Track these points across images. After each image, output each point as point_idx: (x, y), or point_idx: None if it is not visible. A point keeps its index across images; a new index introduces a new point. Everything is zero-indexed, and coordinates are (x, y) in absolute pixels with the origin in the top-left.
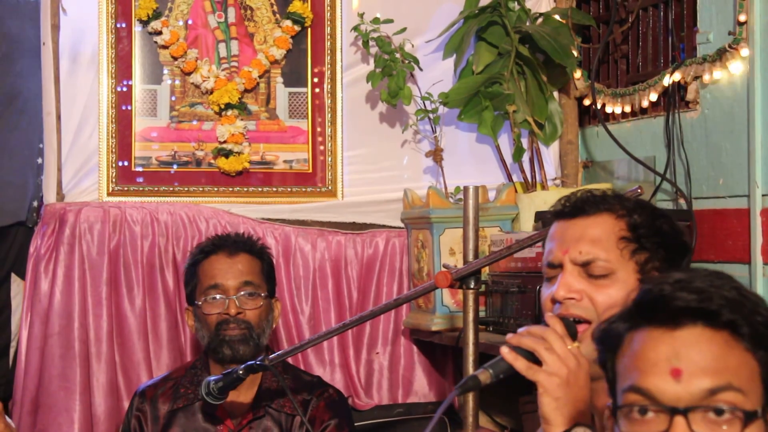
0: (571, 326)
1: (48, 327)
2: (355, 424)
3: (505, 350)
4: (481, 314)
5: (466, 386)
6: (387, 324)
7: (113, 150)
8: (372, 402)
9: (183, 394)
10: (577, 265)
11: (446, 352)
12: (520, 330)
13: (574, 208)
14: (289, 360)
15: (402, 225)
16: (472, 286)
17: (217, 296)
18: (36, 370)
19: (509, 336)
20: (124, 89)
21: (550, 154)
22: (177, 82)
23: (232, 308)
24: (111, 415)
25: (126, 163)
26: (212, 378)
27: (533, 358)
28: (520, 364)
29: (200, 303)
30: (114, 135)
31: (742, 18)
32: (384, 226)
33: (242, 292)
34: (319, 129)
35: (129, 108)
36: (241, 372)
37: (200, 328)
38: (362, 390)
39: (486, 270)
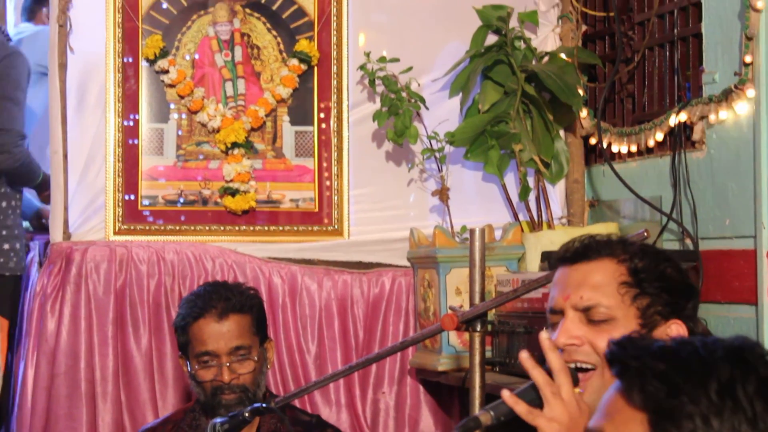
0: (572, 373)
1: (54, 366)
2: None
3: (506, 394)
4: (488, 354)
5: (467, 427)
6: (393, 364)
7: (120, 188)
8: None
9: None
10: (578, 310)
11: (452, 391)
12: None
13: (575, 253)
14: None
15: (408, 264)
16: (478, 329)
17: (210, 362)
18: (43, 410)
19: (506, 395)
20: (131, 123)
21: (557, 192)
22: (184, 121)
23: (225, 376)
24: None
25: (132, 197)
26: (218, 420)
27: (535, 403)
28: (521, 409)
29: (195, 367)
30: (121, 173)
31: (747, 59)
32: (390, 265)
33: (234, 358)
34: (325, 167)
35: (136, 142)
36: (247, 415)
37: (195, 386)
38: (368, 430)
39: (492, 310)
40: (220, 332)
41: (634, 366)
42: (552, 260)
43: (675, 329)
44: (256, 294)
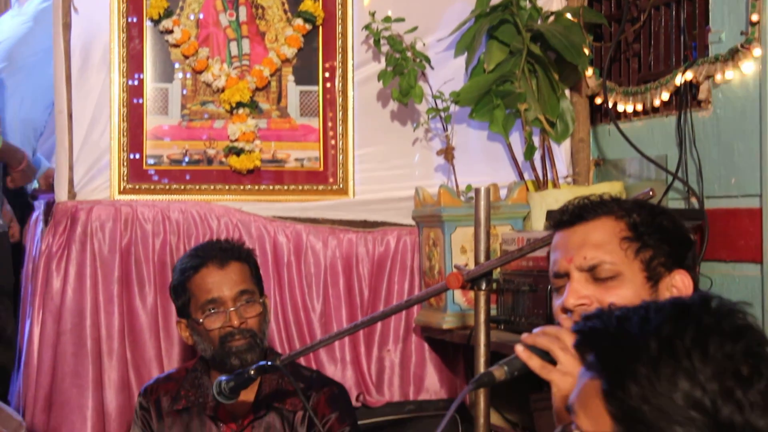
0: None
1: (60, 325)
2: (367, 420)
3: (519, 349)
4: (493, 313)
5: (481, 382)
6: (398, 322)
7: (125, 148)
8: (383, 399)
9: (184, 396)
10: (583, 271)
11: (457, 349)
12: (535, 330)
13: (572, 215)
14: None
15: (413, 223)
16: (483, 287)
17: (217, 309)
18: (49, 368)
19: (524, 335)
20: (136, 83)
21: (562, 152)
22: (188, 81)
23: (234, 320)
24: (123, 412)
25: (137, 156)
26: (224, 378)
27: (548, 358)
28: (535, 363)
29: (201, 319)
30: (125, 133)
31: (754, 18)
32: (395, 224)
33: (241, 302)
34: (330, 126)
35: (140, 101)
36: (252, 372)
37: (201, 341)
38: (373, 387)
39: (497, 269)
40: (224, 279)
41: (588, 333)
42: (548, 225)
43: (680, 279)
44: (250, 249)
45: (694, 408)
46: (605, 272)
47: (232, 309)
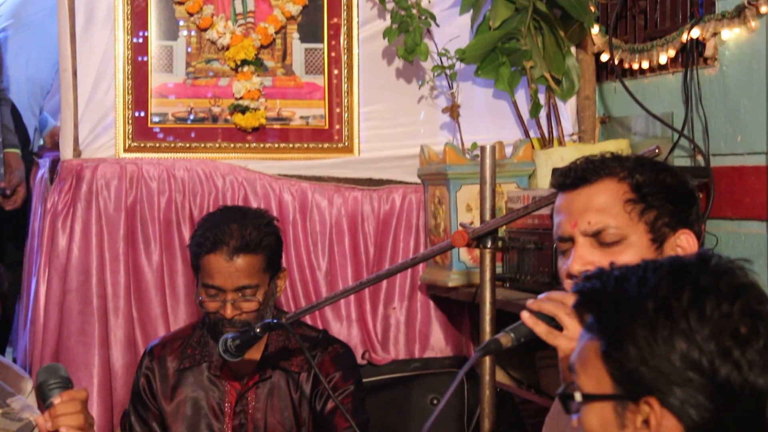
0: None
1: (66, 283)
2: (372, 378)
3: (525, 315)
4: (498, 271)
5: (488, 349)
6: (404, 279)
7: (129, 105)
8: (388, 357)
9: (190, 354)
10: (587, 236)
11: (463, 307)
12: (540, 296)
13: (575, 178)
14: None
15: (419, 181)
16: (489, 246)
17: (215, 295)
18: (55, 326)
19: (530, 301)
20: (140, 41)
21: (567, 109)
22: (193, 38)
23: (228, 311)
24: (129, 370)
25: (142, 114)
26: (229, 335)
27: (554, 323)
28: (541, 329)
29: (201, 297)
30: (130, 91)
31: None
32: (401, 182)
33: (239, 296)
34: (335, 84)
35: (145, 59)
36: (258, 330)
37: (201, 307)
38: (379, 345)
39: (503, 227)
40: (229, 270)
41: (586, 294)
42: (552, 185)
43: (685, 239)
44: (273, 228)
45: (692, 369)
46: (610, 237)
47: (228, 300)
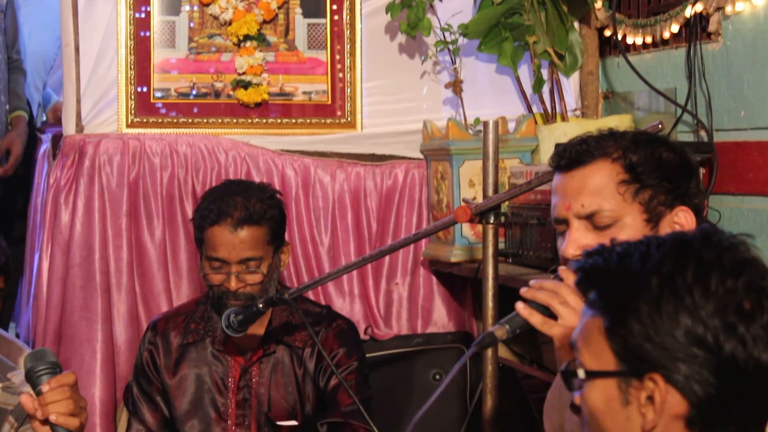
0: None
1: (69, 258)
2: (375, 353)
3: (520, 306)
4: (501, 246)
5: (483, 343)
6: (406, 255)
7: (132, 81)
8: (391, 332)
9: (194, 329)
10: (581, 218)
11: (465, 282)
12: (532, 282)
13: (570, 160)
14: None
15: (421, 156)
16: (491, 221)
17: (219, 268)
18: (58, 301)
19: (523, 290)
20: (143, 16)
21: (571, 85)
22: (195, 13)
23: (232, 283)
24: (132, 345)
25: (145, 89)
26: (232, 311)
27: (548, 312)
28: (536, 319)
29: (205, 270)
30: (133, 66)
31: None
32: (403, 158)
33: (243, 269)
34: (338, 59)
35: (148, 34)
36: (261, 305)
37: (205, 280)
38: (381, 320)
39: (506, 202)
40: (233, 242)
41: (588, 271)
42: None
43: (682, 216)
44: (276, 201)
45: (697, 344)
46: (604, 220)
47: (233, 273)
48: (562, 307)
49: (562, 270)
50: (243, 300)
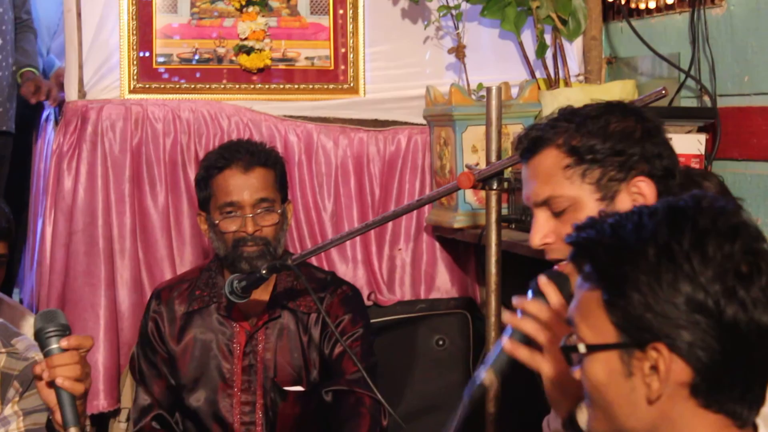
0: (561, 280)
1: (72, 224)
2: (378, 319)
3: (507, 346)
4: (504, 212)
5: (475, 397)
6: (409, 221)
7: (134, 46)
8: (394, 298)
9: (198, 296)
10: (539, 206)
11: (468, 248)
12: (514, 302)
13: (524, 150)
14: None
15: (424, 122)
16: (494, 187)
17: (234, 213)
18: (62, 267)
19: (507, 316)
20: None
21: (574, 50)
22: None
23: (249, 226)
24: (135, 311)
25: (147, 54)
26: (236, 277)
27: (533, 342)
28: (522, 354)
29: (217, 220)
30: (135, 31)
31: None
32: (406, 123)
33: (259, 210)
34: (340, 24)
35: (149, 0)
36: (264, 272)
37: (216, 240)
38: (385, 286)
39: (509, 168)
40: (246, 183)
41: (583, 243)
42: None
43: (642, 186)
44: (278, 154)
45: (698, 311)
46: (558, 205)
47: (249, 215)
48: (546, 338)
49: (544, 285)
50: (260, 245)
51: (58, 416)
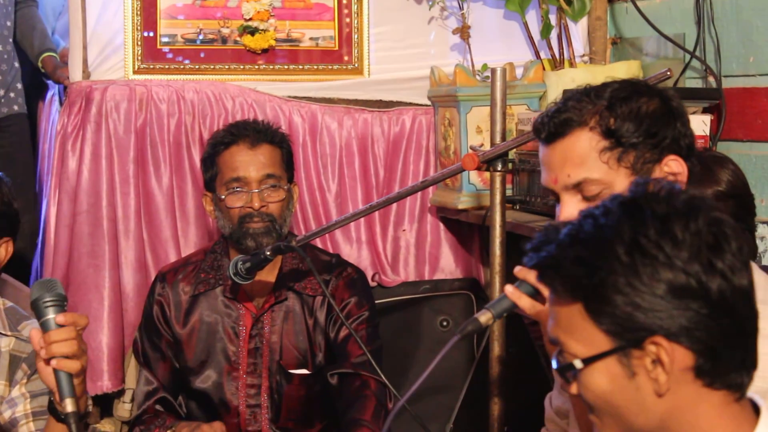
0: None
1: (76, 205)
2: (382, 300)
3: (509, 289)
4: (508, 193)
5: (467, 331)
6: (413, 201)
7: (138, 26)
8: (398, 278)
9: (204, 279)
10: (569, 189)
11: (473, 229)
12: (517, 270)
13: (548, 133)
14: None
15: (429, 102)
16: (499, 168)
17: (240, 189)
18: (66, 248)
19: (517, 269)
20: None
21: (579, 30)
22: None
23: (255, 202)
24: (139, 292)
25: (152, 34)
26: (240, 258)
27: (537, 294)
28: (524, 303)
29: (223, 196)
30: (139, 12)
31: None
32: (411, 104)
33: (265, 185)
34: (345, 4)
35: None
36: (268, 253)
37: (221, 218)
38: (389, 267)
39: (513, 149)
40: (252, 159)
41: (547, 263)
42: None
43: (673, 165)
44: (285, 134)
45: (685, 294)
46: (592, 189)
47: (255, 191)
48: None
49: (520, 270)
50: (266, 221)
51: (58, 397)
